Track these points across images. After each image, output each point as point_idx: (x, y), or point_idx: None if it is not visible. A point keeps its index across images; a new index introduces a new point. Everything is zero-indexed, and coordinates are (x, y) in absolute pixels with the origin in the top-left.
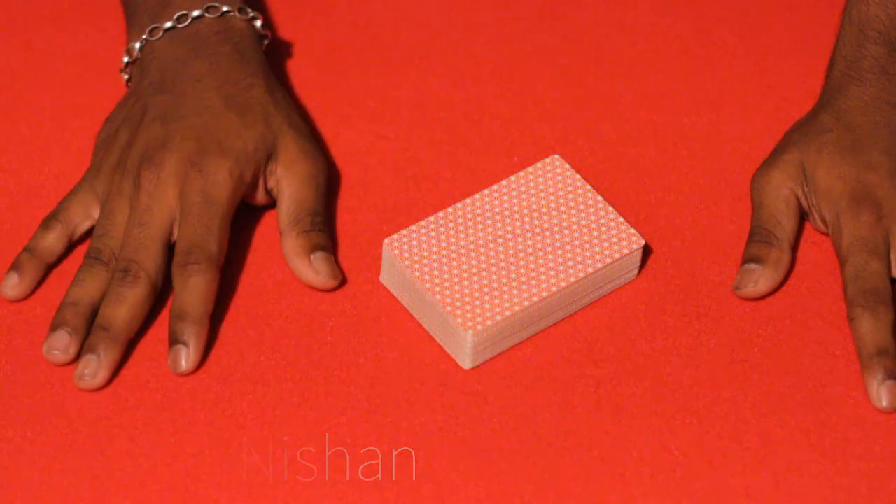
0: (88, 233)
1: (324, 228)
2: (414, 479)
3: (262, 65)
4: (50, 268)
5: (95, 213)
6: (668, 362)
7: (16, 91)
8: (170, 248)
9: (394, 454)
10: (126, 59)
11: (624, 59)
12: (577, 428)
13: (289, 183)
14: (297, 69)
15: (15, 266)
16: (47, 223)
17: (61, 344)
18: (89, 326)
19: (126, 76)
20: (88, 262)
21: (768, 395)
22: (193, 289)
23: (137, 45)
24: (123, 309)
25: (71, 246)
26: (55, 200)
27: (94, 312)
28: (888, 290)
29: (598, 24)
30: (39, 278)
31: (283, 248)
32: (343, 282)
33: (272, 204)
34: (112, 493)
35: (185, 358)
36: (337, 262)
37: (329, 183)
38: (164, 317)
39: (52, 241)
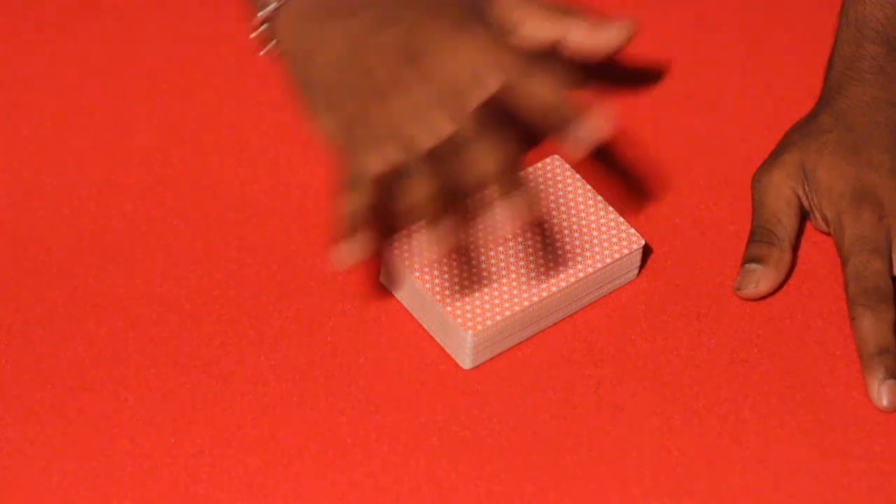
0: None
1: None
2: (414, 479)
3: None
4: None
5: None
6: (668, 362)
7: (16, 91)
8: None
9: (394, 454)
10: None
11: (624, 59)
12: (577, 428)
13: None
14: None
15: (352, 232)
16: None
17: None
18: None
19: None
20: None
21: (768, 395)
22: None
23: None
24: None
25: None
26: (55, 200)
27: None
28: (890, 290)
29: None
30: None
31: (576, 42)
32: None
33: (271, 204)
34: (112, 493)
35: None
36: None
37: (330, 182)
38: (161, 317)
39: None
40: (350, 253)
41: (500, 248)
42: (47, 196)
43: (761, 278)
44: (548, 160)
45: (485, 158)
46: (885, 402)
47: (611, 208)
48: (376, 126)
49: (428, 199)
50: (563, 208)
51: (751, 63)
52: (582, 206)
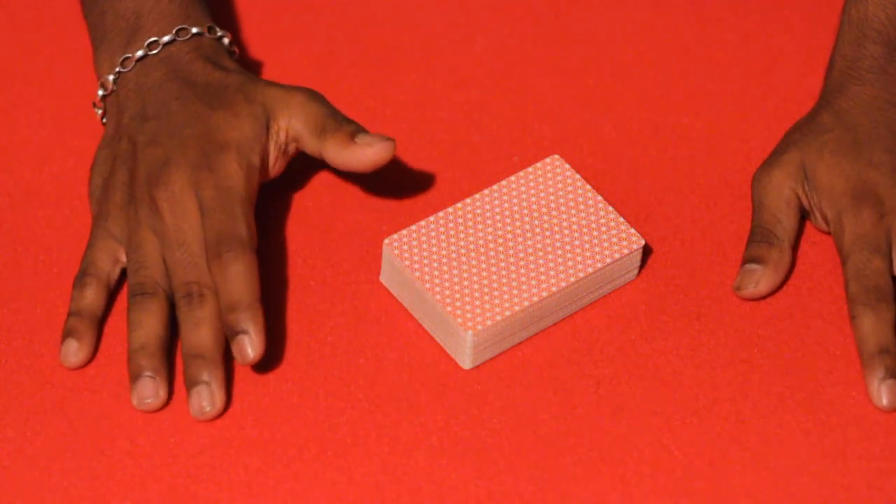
0: (122, 278)
1: (352, 122)
2: (414, 479)
3: (234, 66)
4: (101, 324)
5: (122, 257)
6: (668, 362)
7: (16, 91)
8: None
9: (394, 454)
10: (101, 93)
11: (624, 59)
12: (577, 428)
13: (297, 117)
14: (298, 69)
15: (69, 332)
16: (81, 281)
17: (149, 391)
18: (167, 364)
19: (100, 111)
20: (136, 300)
21: (768, 395)
22: (234, 276)
23: (111, 77)
24: (204, 329)
25: (111, 297)
26: (55, 200)
27: (164, 348)
28: (890, 289)
29: (598, 24)
30: (97, 337)
31: (331, 160)
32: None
33: (270, 204)
34: (112, 493)
35: (251, 345)
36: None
37: (331, 182)
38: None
39: (93, 296)
40: (75, 354)
41: (500, 248)
42: (47, 196)
43: (761, 278)
44: (548, 160)
45: (202, 329)
46: (885, 401)
47: (611, 208)
48: (128, 233)
49: (140, 342)
50: (563, 208)
51: (751, 63)
52: (582, 206)
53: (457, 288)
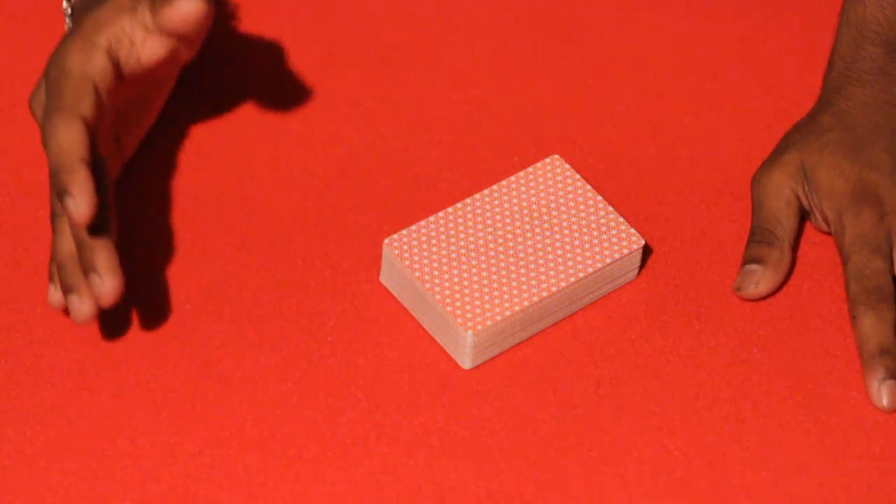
0: None
1: None
2: (414, 479)
3: None
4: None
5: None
6: (668, 362)
7: (16, 91)
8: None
9: (394, 454)
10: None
11: (624, 59)
12: (577, 428)
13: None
14: (298, 69)
15: (51, 277)
16: (54, 231)
17: (75, 303)
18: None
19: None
20: (56, 222)
21: (768, 395)
22: (52, 141)
23: None
24: (61, 238)
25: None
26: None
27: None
28: (891, 289)
29: (598, 24)
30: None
31: (156, 26)
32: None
33: (270, 204)
34: (112, 493)
35: (74, 208)
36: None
37: (331, 182)
38: (161, 317)
39: (67, 244)
40: (79, 305)
41: (500, 248)
42: (47, 196)
43: (761, 279)
44: (548, 160)
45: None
46: (885, 401)
47: (611, 208)
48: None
49: (59, 260)
50: (563, 208)
51: (751, 63)
52: (582, 206)
53: (457, 288)
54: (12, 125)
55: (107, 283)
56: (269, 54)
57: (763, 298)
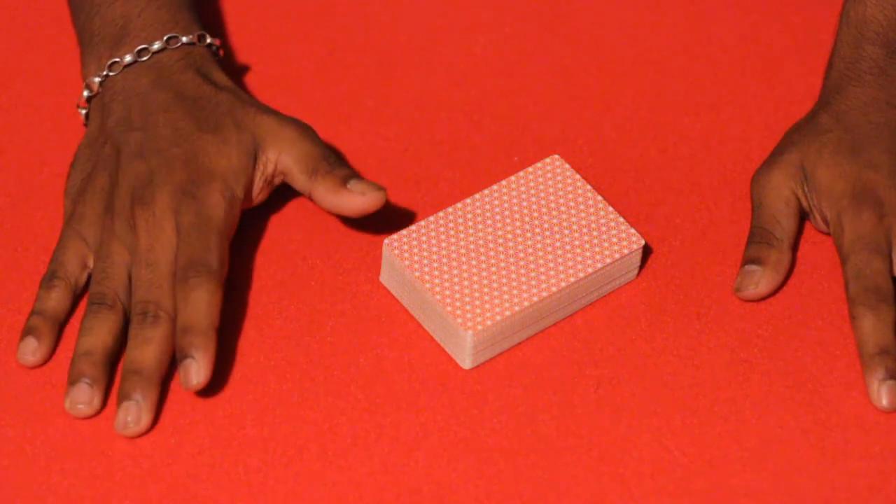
0: (88, 284)
1: (344, 164)
2: (414, 479)
3: (225, 80)
4: (62, 326)
5: (90, 262)
6: (668, 362)
7: (16, 91)
8: None
9: (394, 454)
10: (87, 94)
11: (624, 59)
12: (577, 428)
13: (287, 153)
14: (297, 70)
15: (29, 331)
16: (48, 283)
17: (84, 397)
18: (108, 375)
19: (84, 111)
20: (93, 308)
21: (768, 395)
22: (196, 301)
23: (97, 79)
24: (150, 349)
25: (75, 300)
26: (55, 200)
27: (110, 360)
28: (890, 289)
29: (598, 24)
30: (56, 339)
31: (319, 202)
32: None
33: (270, 204)
34: (112, 493)
35: (196, 372)
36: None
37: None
38: None
39: (58, 299)
40: (32, 353)
41: (500, 248)
42: (47, 196)
43: (761, 279)
44: (548, 160)
45: (148, 348)
46: (884, 402)
47: (611, 208)
48: (100, 240)
49: (87, 348)
50: (563, 208)
51: (751, 63)
52: (582, 206)
53: (457, 288)
54: (12, 125)
55: (143, 422)
56: (269, 54)
57: (763, 299)
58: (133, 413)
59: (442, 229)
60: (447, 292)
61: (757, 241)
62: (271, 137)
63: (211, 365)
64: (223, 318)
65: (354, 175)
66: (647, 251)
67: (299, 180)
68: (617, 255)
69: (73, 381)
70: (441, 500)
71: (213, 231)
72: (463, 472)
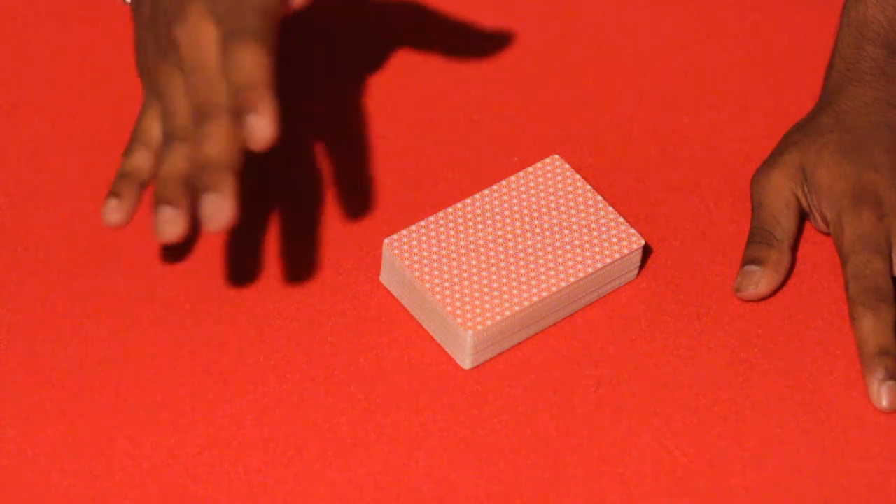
0: None
1: None
2: (414, 479)
3: None
4: (144, 187)
5: None
6: (668, 362)
7: (16, 91)
8: None
9: (394, 454)
10: None
11: (624, 59)
12: (577, 428)
13: None
14: (297, 70)
15: (112, 192)
16: (128, 149)
17: (169, 215)
18: (188, 198)
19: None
20: (169, 144)
21: (768, 395)
22: (244, 60)
23: None
24: (214, 143)
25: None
26: (55, 200)
27: (188, 184)
28: (890, 289)
29: (597, 25)
30: (138, 199)
31: None
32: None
33: (270, 203)
34: (112, 493)
35: (261, 127)
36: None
37: (331, 182)
38: (161, 317)
39: (140, 161)
40: (113, 211)
41: (500, 248)
42: (47, 196)
43: (761, 280)
44: (548, 160)
45: (210, 143)
46: (884, 402)
47: (611, 208)
48: (156, 84)
49: (165, 175)
50: (563, 208)
51: (751, 63)
52: (582, 206)
53: (457, 288)
54: (12, 125)
55: (226, 207)
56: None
57: (763, 299)
58: (216, 204)
59: (442, 229)
60: (447, 292)
61: (757, 242)
62: None
63: (276, 116)
64: (223, 319)
65: None
66: (647, 251)
67: None
68: (617, 255)
69: (157, 202)
70: (441, 500)
71: (250, 6)
72: (463, 472)
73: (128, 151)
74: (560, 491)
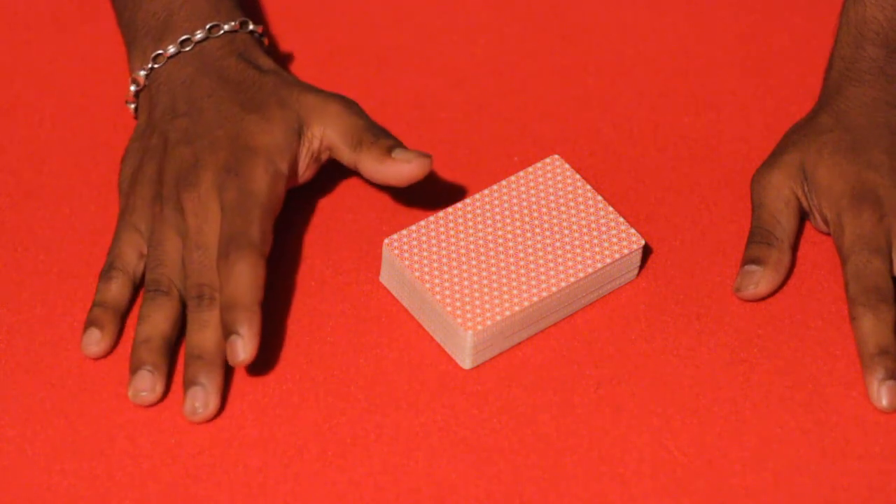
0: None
1: (389, 135)
2: (414, 479)
3: (270, 63)
4: (124, 317)
5: (146, 251)
6: (668, 362)
7: (16, 91)
8: None
9: (394, 454)
10: (133, 88)
11: (624, 59)
12: (577, 428)
13: (332, 127)
14: (298, 70)
15: (91, 322)
16: (107, 275)
17: (146, 384)
18: (168, 361)
19: (133, 106)
20: (149, 296)
21: (768, 395)
22: (238, 276)
23: (143, 72)
24: (209, 332)
25: (136, 291)
26: (55, 200)
27: (168, 346)
28: (890, 289)
29: (597, 24)
30: (119, 329)
31: (366, 173)
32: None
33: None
34: (112, 493)
35: (242, 347)
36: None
37: (331, 182)
38: None
39: (118, 289)
40: (95, 344)
41: (500, 248)
42: (47, 196)
43: (761, 280)
44: (548, 160)
45: (206, 332)
46: (884, 402)
47: (611, 208)
48: (151, 226)
49: (146, 336)
50: (563, 208)
51: (751, 63)
52: (582, 206)
53: (457, 288)
54: (12, 125)
55: (211, 406)
56: (269, 54)
57: (763, 299)
58: (200, 398)
59: (442, 229)
60: (447, 292)
61: (757, 241)
62: (316, 113)
63: (257, 340)
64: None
65: (399, 144)
66: (647, 251)
67: (345, 153)
68: (617, 255)
69: (134, 369)
70: (441, 500)
71: (254, 205)
72: (463, 472)
73: (106, 277)
74: (560, 491)
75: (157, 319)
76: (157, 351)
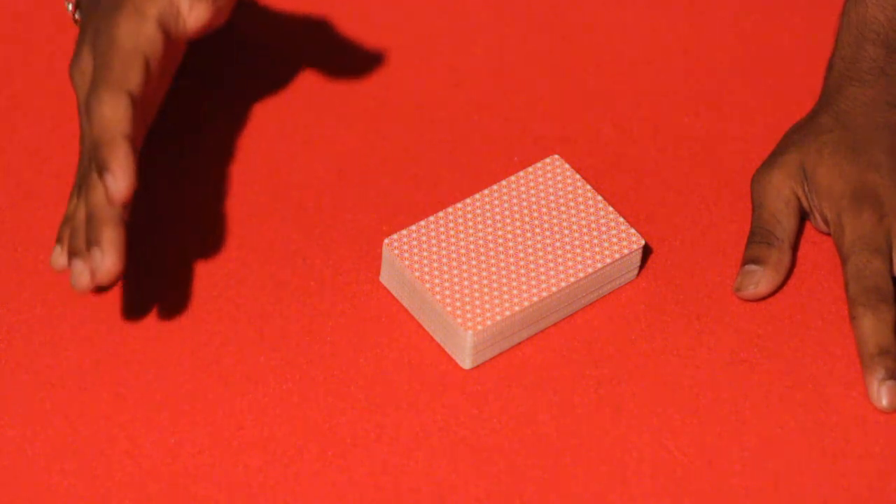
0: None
1: None
2: (414, 479)
3: None
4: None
5: None
6: (668, 362)
7: (16, 91)
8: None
9: (394, 454)
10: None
11: (624, 59)
12: (577, 428)
13: None
14: (298, 69)
15: (59, 239)
16: (75, 194)
17: (60, 258)
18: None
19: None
20: (74, 191)
21: (768, 395)
22: (95, 116)
23: None
24: (94, 193)
25: None
26: (55, 200)
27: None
28: (890, 289)
29: (597, 24)
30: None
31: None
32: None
33: (270, 205)
34: (112, 493)
35: (112, 182)
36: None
37: (331, 182)
38: (161, 317)
39: (77, 204)
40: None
41: (500, 248)
42: (47, 196)
43: (761, 279)
44: (548, 160)
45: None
46: (884, 402)
47: (611, 208)
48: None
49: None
50: (563, 208)
51: (751, 63)
52: (582, 206)
53: (457, 288)
54: (12, 125)
55: (107, 261)
56: (269, 54)
57: (763, 299)
58: (96, 259)
59: (442, 229)
60: (447, 292)
61: (757, 241)
62: None
63: (129, 171)
64: (223, 319)
65: None
66: (647, 251)
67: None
68: (617, 255)
69: (71, 255)
70: (441, 500)
71: (110, 47)
72: (463, 472)
73: (76, 195)
74: (560, 491)
75: (77, 205)
76: (76, 231)
